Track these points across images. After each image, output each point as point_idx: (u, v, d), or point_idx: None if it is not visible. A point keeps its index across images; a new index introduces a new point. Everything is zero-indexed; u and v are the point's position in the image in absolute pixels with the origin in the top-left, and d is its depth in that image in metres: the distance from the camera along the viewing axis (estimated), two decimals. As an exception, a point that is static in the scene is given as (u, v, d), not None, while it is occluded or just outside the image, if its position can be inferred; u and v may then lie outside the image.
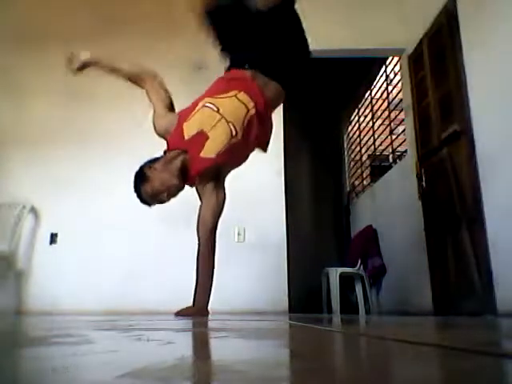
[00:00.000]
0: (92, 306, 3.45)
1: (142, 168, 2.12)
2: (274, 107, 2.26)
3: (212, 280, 2.15)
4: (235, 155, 2.11)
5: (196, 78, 4.13)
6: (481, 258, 2.77)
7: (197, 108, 2.09)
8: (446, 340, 0.91)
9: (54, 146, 3.90)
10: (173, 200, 3.92)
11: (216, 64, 3.92)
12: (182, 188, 2.14)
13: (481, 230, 2.77)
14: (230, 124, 2.03)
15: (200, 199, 2.21)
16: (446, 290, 3.19)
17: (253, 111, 2.07)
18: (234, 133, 2.03)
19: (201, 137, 2.02)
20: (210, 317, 2.21)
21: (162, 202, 2.12)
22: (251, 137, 2.09)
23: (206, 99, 2.10)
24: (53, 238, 3.73)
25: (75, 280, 3.60)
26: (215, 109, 2.05)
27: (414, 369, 0.49)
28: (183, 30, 4.16)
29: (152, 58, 4.11)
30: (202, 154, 2.02)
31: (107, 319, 2.12)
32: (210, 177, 2.15)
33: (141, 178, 2.08)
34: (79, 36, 4.17)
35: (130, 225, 3.73)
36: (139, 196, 2.08)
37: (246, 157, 2.23)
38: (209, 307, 2.22)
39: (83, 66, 2.25)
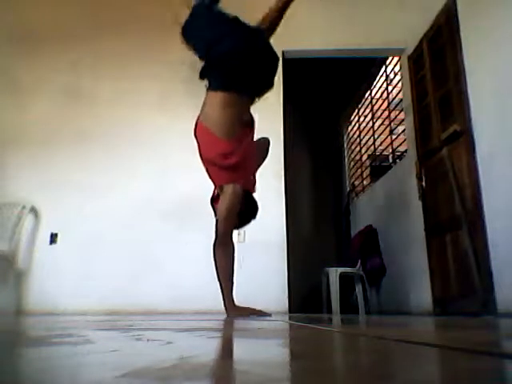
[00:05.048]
0: (92, 305, 3.45)
1: None
2: (217, 109, 2.37)
3: (222, 281, 2.37)
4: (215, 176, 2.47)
5: (195, 77, 4.12)
6: (481, 258, 2.76)
7: None
8: (446, 340, 0.91)
9: (54, 146, 3.90)
10: (172, 201, 3.93)
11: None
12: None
13: (481, 230, 2.77)
14: None
15: None
16: (446, 290, 3.19)
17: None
18: None
19: None
20: (209, 317, 2.21)
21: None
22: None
23: None
24: (53, 237, 3.72)
25: (75, 280, 3.60)
26: None
27: (414, 369, 0.49)
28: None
29: (151, 58, 4.12)
30: None
31: (107, 319, 2.12)
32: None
33: None
34: (79, 36, 4.18)
35: (130, 225, 3.73)
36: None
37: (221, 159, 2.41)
38: (209, 307, 2.24)
39: None
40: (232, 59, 2.35)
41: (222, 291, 2.36)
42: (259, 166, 2.72)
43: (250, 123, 2.49)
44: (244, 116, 2.43)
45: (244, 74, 2.37)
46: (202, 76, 2.44)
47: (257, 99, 2.49)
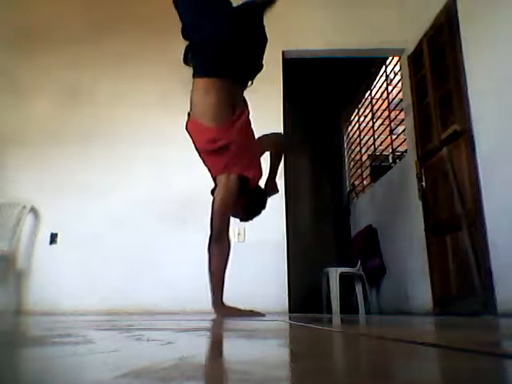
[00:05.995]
0: (92, 305, 3.45)
1: None
2: (202, 94, 2.29)
3: (214, 278, 2.28)
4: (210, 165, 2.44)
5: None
6: (481, 258, 2.77)
7: None
8: (446, 340, 0.91)
9: (54, 146, 3.90)
10: (172, 201, 3.92)
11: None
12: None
13: (481, 229, 2.77)
14: None
15: None
16: (446, 290, 3.19)
17: None
18: None
19: None
20: (209, 317, 2.21)
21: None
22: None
23: None
24: (53, 237, 3.72)
25: (75, 280, 3.60)
26: None
27: (414, 369, 0.49)
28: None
29: (151, 58, 4.12)
30: None
31: (107, 319, 2.12)
32: None
33: None
34: (79, 36, 4.18)
35: (130, 225, 3.73)
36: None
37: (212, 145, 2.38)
38: (209, 308, 2.24)
39: None
40: (213, 46, 2.26)
41: (212, 289, 2.27)
42: (277, 165, 2.66)
43: (242, 107, 2.37)
44: (234, 100, 2.32)
45: (227, 59, 2.27)
46: (186, 60, 2.35)
47: (249, 82, 2.40)
